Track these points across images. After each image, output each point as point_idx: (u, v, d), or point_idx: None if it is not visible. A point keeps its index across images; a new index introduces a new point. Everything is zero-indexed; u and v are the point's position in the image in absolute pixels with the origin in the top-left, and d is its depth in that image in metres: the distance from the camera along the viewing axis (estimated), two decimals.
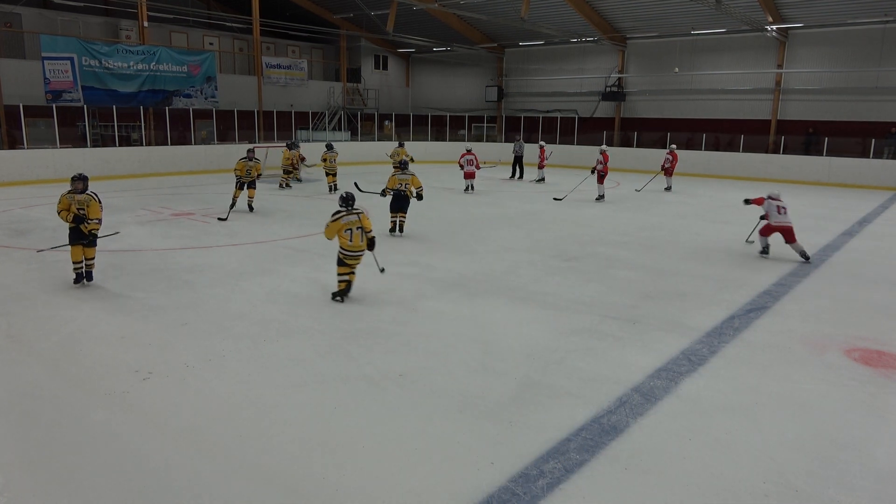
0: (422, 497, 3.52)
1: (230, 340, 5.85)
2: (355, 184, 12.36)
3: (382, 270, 7.57)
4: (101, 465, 3.80)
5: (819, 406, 4.72)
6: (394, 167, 16.14)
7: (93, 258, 7.60)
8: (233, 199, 12.90)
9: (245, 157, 13.21)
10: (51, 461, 3.84)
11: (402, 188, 10.98)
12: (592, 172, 16.16)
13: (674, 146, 19.44)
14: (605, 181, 16.45)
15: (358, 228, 6.96)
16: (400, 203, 11.06)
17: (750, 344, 5.99)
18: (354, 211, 6.97)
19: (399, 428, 4.29)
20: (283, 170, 18.07)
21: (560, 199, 16.25)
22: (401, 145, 19.13)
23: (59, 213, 7.38)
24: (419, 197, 11.19)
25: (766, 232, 9.89)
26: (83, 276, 7.53)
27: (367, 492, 3.56)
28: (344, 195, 7.04)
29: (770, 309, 7.10)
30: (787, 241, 9.60)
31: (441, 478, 3.71)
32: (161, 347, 5.64)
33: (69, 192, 7.35)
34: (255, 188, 13.20)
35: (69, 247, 7.56)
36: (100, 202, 7.47)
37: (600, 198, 16.11)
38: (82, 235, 7.38)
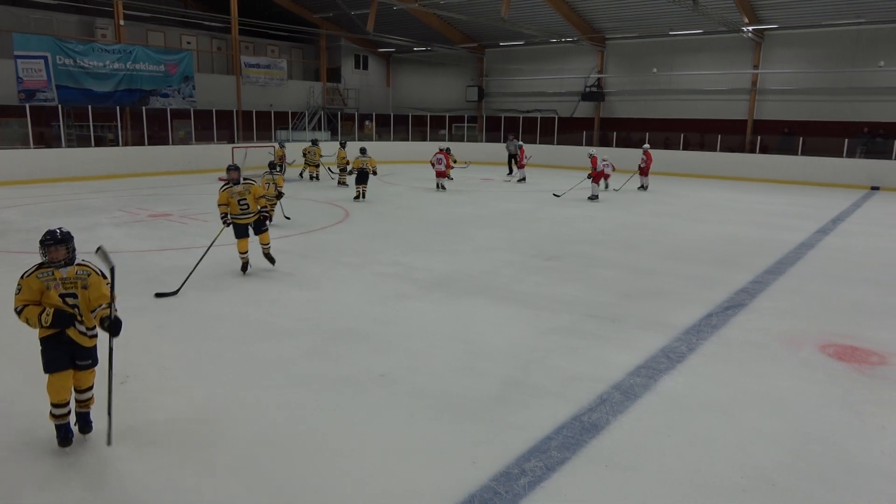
0: (404, 497, 3.52)
1: (209, 342, 5.79)
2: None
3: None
4: (79, 471, 3.75)
5: (794, 401, 4.80)
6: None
7: (90, 390, 4.13)
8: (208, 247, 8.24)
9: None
10: (27, 467, 3.78)
11: (364, 167, 14.98)
12: (588, 177, 16.53)
13: (647, 146, 19.62)
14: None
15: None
16: (362, 177, 15.09)
17: (727, 341, 6.07)
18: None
19: (381, 428, 4.29)
20: (341, 168, 18.59)
21: (559, 196, 16.74)
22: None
23: (18, 313, 3.85)
24: (374, 173, 15.25)
25: (596, 179, 16.15)
26: (70, 428, 4.01)
27: (349, 492, 3.55)
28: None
29: (747, 306, 7.20)
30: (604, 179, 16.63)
31: (423, 477, 3.72)
32: (139, 350, 5.56)
33: (39, 266, 3.92)
34: (267, 230, 8.32)
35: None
36: (104, 277, 4.04)
37: (593, 197, 16.26)
38: (78, 352, 3.99)
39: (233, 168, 8.02)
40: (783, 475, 3.78)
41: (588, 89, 27.38)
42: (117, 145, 21.19)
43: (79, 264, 4.03)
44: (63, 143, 19.78)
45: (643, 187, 18.89)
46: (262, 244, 8.29)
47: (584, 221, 12.97)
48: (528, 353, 5.64)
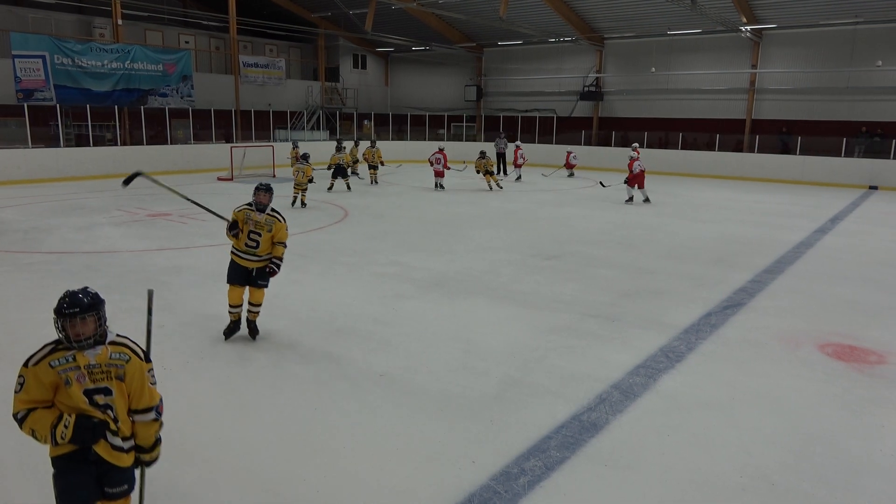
0: (403, 497, 3.52)
1: (208, 342, 5.78)
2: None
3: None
4: None
5: (794, 401, 4.80)
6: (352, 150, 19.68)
7: None
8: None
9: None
10: (24, 466, 3.77)
11: (341, 162, 16.85)
12: (625, 182, 15.82)
13: (635, 145, 19.61)
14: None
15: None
16: (340, 172, 16.88)
17: (726, 340, 6.07)
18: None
19: (380, 428, 4.28)
20: (370, 167, 19.05)
21: (606, 186, 17.59)
22: (482, 156, 18.05)
23: (21, 421, 2.55)
24: (349, 166, 17.50)
25: (632, 182, 15.29)
26: None
27: (348, 493, 3.55)
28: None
29: (746, 306, 7.21)
30: (640, 187, 15.38)
31: (423, 477, 3.71)
32: None
33: (54, 349, 2.60)
34: (266, 286, 5.84)
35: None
36: (147, 360, 2.85)
37: (629, 200, 15.63)
38: (110, 476, 2.71)
39: (263, 189, 5.66)
40: (783, 475, 3.78)
41: (586, 89, 27.38)
42: (115, 145, 21.17)
43: (113, 343, 2.68)
44: (61, 143, 19.77)
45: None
46: (251, 303, 5.78)
47: (583, 221, 12.97)
48: (528, 353, 5.64)
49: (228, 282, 5.73)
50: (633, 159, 15.67)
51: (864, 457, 4.02)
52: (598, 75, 27.34)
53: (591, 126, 27.82)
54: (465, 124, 31.27)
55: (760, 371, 5.36)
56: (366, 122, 30.55)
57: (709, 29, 23.41)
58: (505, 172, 21.85)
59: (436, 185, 17.89)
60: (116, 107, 21.62)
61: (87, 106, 20.66)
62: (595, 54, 27.29)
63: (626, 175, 15.68)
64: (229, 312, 5.82)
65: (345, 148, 17.26)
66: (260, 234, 5.61)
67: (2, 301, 6.93)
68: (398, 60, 33.44)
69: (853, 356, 5.73)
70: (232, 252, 5.76)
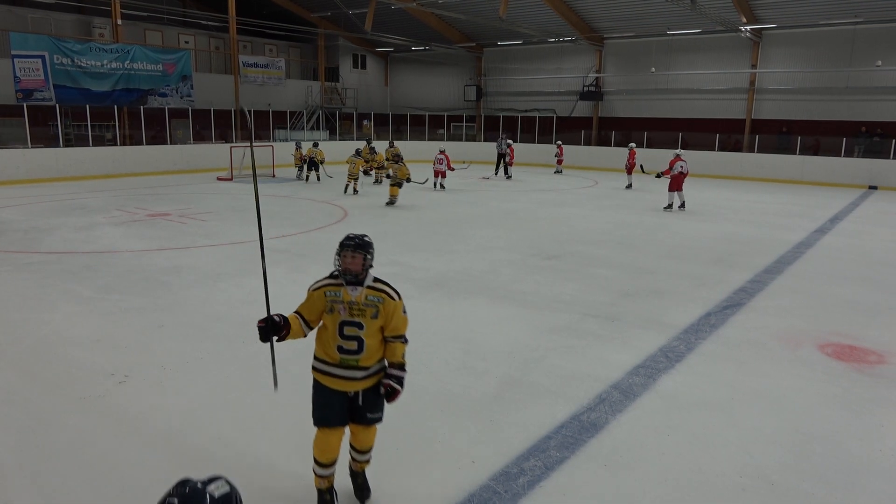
0: (404, 497, 3.52)
1: (208, 342, 5.78)
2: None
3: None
4: (76, 471, 3.74)
5: (793, 400, 4.80)
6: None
7: None
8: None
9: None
10: (24, 467, 3.77)
11: (313, 156, 18.85)
12: (658, 176, 15.32)
13: (632, 144, 19.67)
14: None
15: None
16: (312, 165, 19.03)
17: (726, 340, 6.07)
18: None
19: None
20: (382, 166, 19.89)
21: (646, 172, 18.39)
22: (398, 159, 17.29)
23: None
24: (322, 161, 19.34)
25: (672, 186, 14.26)
26: None
27: (348, 492, 3.55)
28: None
29: (745, 305, 7.21)
30: (678, 190, 14.30)
31: (422, 477, 3.71)
32: (137, 350, 5.56)
33: None
34: (379, 420, 3.47)
35: None
36: None
37: (668, 207, 14.58)
38: None
39: (352, 246, 3.45)
40: (783, 474, 3.78)
41: (586, 89, 27.39)
42: (115, 145, 21.17)
43: None
44: (61, 143, 19.75)
45: (629, 186, 18.92)
46: (356, 449, 3.48)
47: (582, 221, 12.98)
48: (527, 353, 5.64)
49: (318, 424, 3.30)
50: (677, 157, 14.41)
51: (864, 457, 4.02)
52: (597, 75, 27.35)
53: (591, 126, 27.82)
54: (464, 124, 31.27)
55: (760, 371, 5.36)
56: (365, 122, 30.55)
57: (709, 29, 23.42)
58: (505, 172, 21.90)
59: (435, 185, 17.91)
60: (116, 107, 21.62)
61: (87, 106, 20.66)
62: (595, 54, 27.29)
63: (663, 171, 14.61)
64: (317, 476, 3.35)
65: (317, 145, 19.58)
66: (362, 326, 3.27)
67: (2, 301, 6.92)
68: (398, 60, 33.43)
69: (853, 356, 5.73)
70: (315, 368, 3.33)
